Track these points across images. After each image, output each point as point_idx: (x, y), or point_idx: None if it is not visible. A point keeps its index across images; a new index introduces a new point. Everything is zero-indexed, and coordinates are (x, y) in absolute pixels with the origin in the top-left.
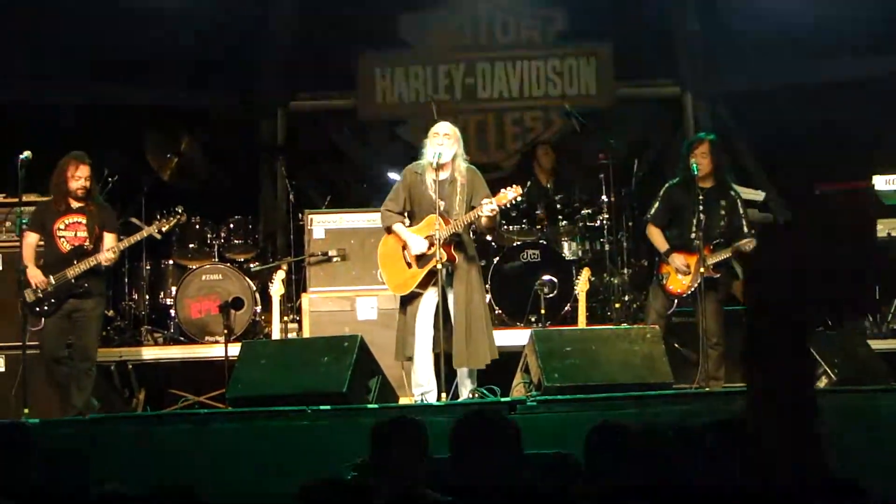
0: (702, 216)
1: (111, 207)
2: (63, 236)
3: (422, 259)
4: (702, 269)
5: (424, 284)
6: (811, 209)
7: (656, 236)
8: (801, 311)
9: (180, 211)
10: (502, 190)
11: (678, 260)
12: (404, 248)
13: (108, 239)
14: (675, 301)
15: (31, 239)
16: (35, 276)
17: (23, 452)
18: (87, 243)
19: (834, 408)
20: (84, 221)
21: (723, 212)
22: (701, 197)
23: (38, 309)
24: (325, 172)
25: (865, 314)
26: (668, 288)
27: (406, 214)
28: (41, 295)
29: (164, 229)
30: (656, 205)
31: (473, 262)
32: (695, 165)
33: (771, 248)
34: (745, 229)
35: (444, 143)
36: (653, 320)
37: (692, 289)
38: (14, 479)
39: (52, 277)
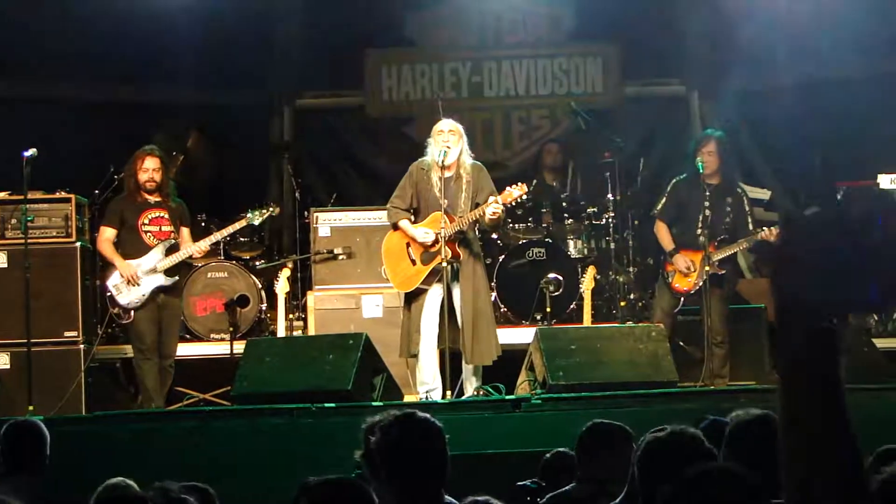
0: (707, 213)
1: (185, 202)
2: (148, 231)
3: (426, 256)
4: (707, 266)
5: (429, 281)
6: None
7: (663, 234)
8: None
9: (272, 204)
10: (508, 188)
11: (681, 261)
12: (409, 244)
13: (185, 233)
14: (682, 299)
15: (109, 234)
16: (126, 268)
17: (37, 450)
18: (173, 237)
19: None
20: (166, 216)
21: (728, 208)
22: (707, 193)
23: (127, 302)
24: (332, 170)
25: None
26: (675, 286)
27: (412, 211)
28: (131, 289)
29: (256, 222)
30: (663, 200)
31: (478, 258)
32: (700, 163)
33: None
34: (751, 226)
35: (448, 139)
36: (658, 318)
37: (698, 286)
38: (28, 476)
39: (140, 271)
